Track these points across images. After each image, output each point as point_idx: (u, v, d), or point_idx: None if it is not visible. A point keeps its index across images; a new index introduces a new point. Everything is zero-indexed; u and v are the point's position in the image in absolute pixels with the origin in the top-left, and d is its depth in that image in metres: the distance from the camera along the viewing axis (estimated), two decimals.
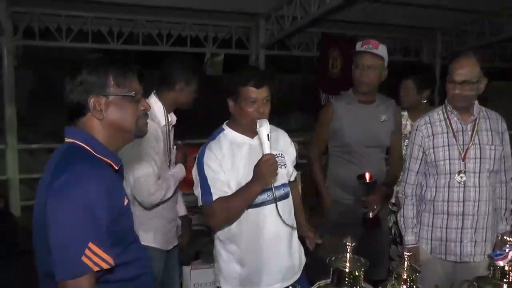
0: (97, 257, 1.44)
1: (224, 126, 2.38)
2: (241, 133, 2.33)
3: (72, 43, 5.90)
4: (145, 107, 1.67)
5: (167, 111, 2.80)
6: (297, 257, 2.45)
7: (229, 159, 2.27)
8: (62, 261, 1.44)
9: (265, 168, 2.10)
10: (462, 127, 2.57)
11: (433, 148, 2.61)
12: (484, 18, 6.93)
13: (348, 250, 1.45)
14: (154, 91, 2.81)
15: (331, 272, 1.46)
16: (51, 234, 1.44)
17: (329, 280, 1.48)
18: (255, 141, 2.30)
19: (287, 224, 2.31)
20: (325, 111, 3.26)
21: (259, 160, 2.12)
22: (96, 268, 1.44)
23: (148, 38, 6.44)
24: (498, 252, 1.61)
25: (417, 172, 2.70)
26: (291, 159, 2.49)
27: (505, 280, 1.61)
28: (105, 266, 1.46)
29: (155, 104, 2.74)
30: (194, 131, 4.76)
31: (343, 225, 2.94)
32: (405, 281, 1.65)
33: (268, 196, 2.26)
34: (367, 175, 2.92)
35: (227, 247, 2.35)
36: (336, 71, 6.71)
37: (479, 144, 2.54)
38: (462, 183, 2.53)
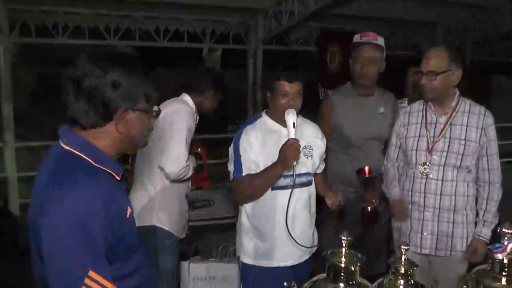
0: (97, 285, 1.32)
1: (263, 113, 2.67)
2: (276, 122, 2.59)
3: (69, 39, 5.87)
4: (154, 120, 1.58)
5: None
6: (310, 240, 2.66)
7: (262, 143, 2.53)
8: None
9: (288, 151, 2.35)
10: (436, 119, 2.53)
11: (406, 138, 2.61)
12: (485, 13, 6.89)
13: (344, 245, 1.43)
14: (184, 93, 3.14)
15: (327, 267, 1.44)
16: (46, 258, 1.32)
17: (325, 275, 1.46)
18: (286, 131, 2.50)
19: (286, 216, 2.44)
20: (324, 105, 3.24)
21: (283, 144, 2.38)
22: None
23: (145, 33, 6.41)
24: (497, 245, 1.58)
25: (397, 159, 2.73)
26: (319, 152, 2.69)
27: (504, 273, 1.58)
28: None
29: (190, 102, 3.10)
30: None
31: (343, 220, 2.92)
32: (403, 276, 1.63)
33: (291, 181, 2.46)
34: (366, 169, 2.90)
35: (250, 221, 2.60)
36: (334, 66, 6.67)
37: (449, 138, 2.49)
38: (425, 174, 2.50)
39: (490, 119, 2.53)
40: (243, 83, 6.70)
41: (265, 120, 2.63)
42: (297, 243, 2.47)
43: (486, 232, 2.53)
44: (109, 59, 1.40)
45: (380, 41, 3.06)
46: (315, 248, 2.71)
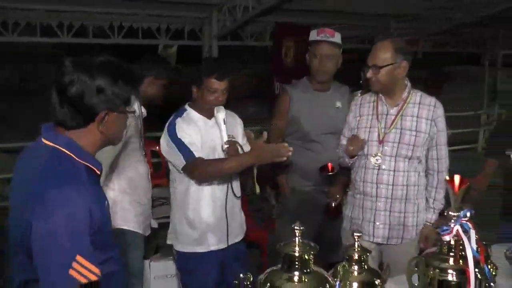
0: (85, 269, 1.42)
1: (186, 106, 2.70)
2: (200, 114, 2.66)
3: (21, 37, 5.68)
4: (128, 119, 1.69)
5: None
6: (240, 222, 2.83)
7: (193, 133, 2.60)
8: (48, 276, 1.42)
9: (272, 156, 2.42)
10: (387, 110, 2.55)
11: (358, 129, 2.63)
12: (439, 5, 7.05)
13: (297, 235, 1.43)
14: None
15: (281, 258, 1.44)
16: (36, 247, 1.42)
17: (279, 266, 1.46)
18: (211, 121, 2.65)
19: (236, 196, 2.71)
20: (282, 100, 3.23)
21: (270, 144, 2.48)
22: (84, 280, 1.42)
23: (99, 30, 6.27)
24: (444, 228, 1.62)
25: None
26: (241, 138, 2.79)
27: (451, 254, 1.63)
28: (93, 277, 1.44)
29: None
30: (148, 124, 4.68)
31: (302, 213, 2.92)
32: (356, 262, 1.65)
33: None
34: (329, 166, 2.90)
35: (182, 211, 2.69)
36: (289, 60, 6.69)
37: (400, 129, 2.51)
38: (377, 165, 2.53)
39: (440, 110, 2.57)
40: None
41: (190, 112, 2.68)
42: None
43: (435, 219, 2.59)
44: (94, 66, 1.51)
45: (337, 38, 3.06)
46: (243, 234, 2.86)
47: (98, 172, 1.61)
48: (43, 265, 1.43)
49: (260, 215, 4.70)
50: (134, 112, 1.72)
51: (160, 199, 4.31)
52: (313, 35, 3.09)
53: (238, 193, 2.78)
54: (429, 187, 2.61)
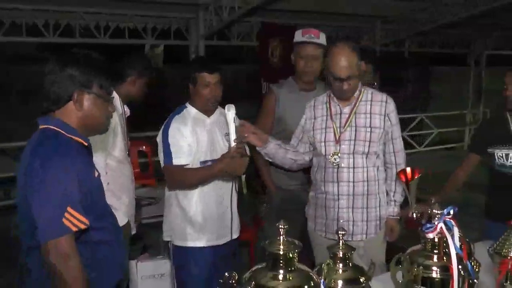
0: (75, 219, 1.66)
1: (187, 104, 2.75)
2: (200, 111, 2.72)
3: (6, 36, 5.63)
4: (113, 109, 1.94)
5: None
6: (235, 221, 2.84)
7: (191, 131, 2.65)
8: (45, 225, 1.64)
9: (233, 165, 2.50)
10: (341, 110, 2.57)
11: (313, 130, 2.62)
12: (424, 5, 7.12)
13: (282, 233, 1.42)
14: None
15: (266, 256, 1.44)
16: (33, 207, 1.66)
17: (264, 264, 1.45)
18: (211, 119, 2.74)
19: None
20: (268, 100, 3.22)
21: (227, 153, 2.52)
22: (75, 229, 1.66)
23: (85, 30, 6.23)
24: (428, 225, 1.63)
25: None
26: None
27: (435, 251, 1.63)
28: (82, 226, 1.67)
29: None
30: (136, 124, 4.67)
31: (287, 211, 2.92)
32: (341, 260, 1.65)
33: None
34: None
35: (181, 205, 2.73)
36: (276, 60, 6.71)
37: (355, 127, 2.53)
38: (336, 164, 2.53)
39: (392, 105, 2.59)
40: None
41: (190, 110, 2.73)
42: None
43: (397, 211, 2.63)
44: (67, 58, 1.80)
45: (322, 38, 3.06)
46: (238, 233, 2.88)
47: (86, 144, 1.84)
48: (40, 219, 1.65)
49: (248, 213, 4.69)
50: (111, 98, 1.89)
51: (148, 199, 4.29)
52: (298, 36, 3.09)
53: (236, 192, 2.84)
54: (389, 181, 2.63)
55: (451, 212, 1.63)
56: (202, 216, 2.72)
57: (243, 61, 10.06)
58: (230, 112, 2.51)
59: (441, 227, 1.60)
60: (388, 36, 8.59)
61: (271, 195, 3.25)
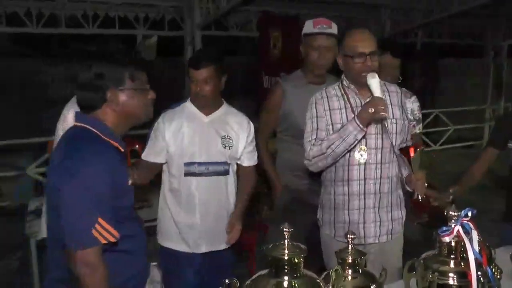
0: (105, 231, 1.71)
1: (188, 99, 2.79)
2: (197, 109, 2.74)
3: None
4: (152, 96, 1.96)
5: None
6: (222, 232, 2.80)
7: (176, 127, 2.69)
8: (73, 234, 1.70)
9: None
10: (361, 102, 2.51)
11: (332, 124, 2.53)
12: None
13: (286, 237, 1.43)
14: None
15: (269, 262, 1.44)
16: (63, 210, 1.71)
17: (267, 270, 1.46)
18: (209, 118, 2.74)
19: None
20: (274, 95, 3.22)
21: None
22: (104, 241, 1.71)
23: (72, 20, 6.23)
24: (444, 228, 1.63)
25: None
26: (242, 143, 2.81)
27: (451, 256, 1.63)
28: (112, 239, 1.73)
29: None
30: None
31: (294, 212, 2.92)
32: (350, 265, 1.65)
33: (205, 169, 2.70)
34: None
35: (169, 207, 2.78)
36: (277, 51, 6.70)
37: (380, 119, 2.48)
38: (363, 160, 2.50)
39: (403, 95, 2.63)
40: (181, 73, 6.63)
41: (187, 105, 2.77)
42: None
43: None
44: (92, 56, 1.85)
45: (334, 29, 3.06)
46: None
47: (122, 150, 1.89)
48: (69, 228, 1.70)
49: (250, 216, 4.70)
50: (147, 89, 1.93)
51: (139, 202, 4.26)
52: (309, 27, 3.08)
53: (233, 198, 2.84)
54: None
55: (469, 214, 1.63)
56: (191, 220, 2.73)
57: (242, 52, 10.04)
58: (374, 79, 2.37)
59: (458, 230, 1.61)
60: (396, 26, 8.57)
61: (276, 196, 3.25)
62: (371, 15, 8.19)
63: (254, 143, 2.89)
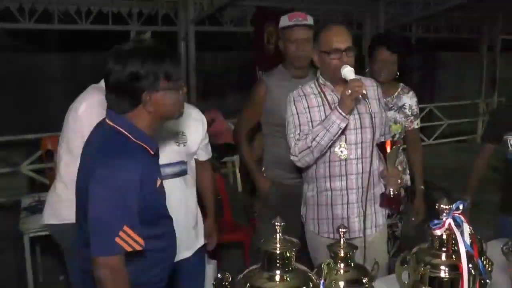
0: (130, 239, 1.72)
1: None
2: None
3: None
4: (184, 91, 1.92)
5: None
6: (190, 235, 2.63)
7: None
8: (97, 240, 1.72)
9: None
10: (338, 98, 2.47)
11: (311, 121, 2.52)
12: None
13: (278, 231, 1.43)
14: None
15: (261, 256, 1.44)
16: (89, 215, 1.72)
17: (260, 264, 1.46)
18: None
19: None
20: (258, 90, 3.22)
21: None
22: (129, 249, 1.72)
23: (65, 15, 6.20)
24: (435, 221, 1.64)
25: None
26: (197, 138, 2.63)
27: (443, 249, 1.64)
28: (137, 248, 1.74)
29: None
30: None
31: (285, 208, 2.91)
32: (342, 259, 1.66)
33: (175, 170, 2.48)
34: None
35: None
36: (272, 47, 6.68)
37: (359, 114, 2.50)
38: (343, 156, 2.49)
39: (380, 90, 2.63)
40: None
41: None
42: None
43: None
44: (126, 54, 1.77)
45: (310, 20, 3.10)
46: (198, 245, 2.70)
47: (152, 152, 1.86)
48: (93, 232, 1.72)
49: (242, 213, 4.71)
50: (181, 85, 1.89)
51: None
52: (284, 21, 3.13)
53: (194, 200, 2.67)
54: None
55: (461, 207, 1.63)
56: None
57: (237, 48, 10.02)
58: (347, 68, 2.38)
59: (449, 223, 1.61)
60: (392, 21, 8.57)
61: (264, 193, 3.25)
62: (368, 8, 8.18)
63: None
